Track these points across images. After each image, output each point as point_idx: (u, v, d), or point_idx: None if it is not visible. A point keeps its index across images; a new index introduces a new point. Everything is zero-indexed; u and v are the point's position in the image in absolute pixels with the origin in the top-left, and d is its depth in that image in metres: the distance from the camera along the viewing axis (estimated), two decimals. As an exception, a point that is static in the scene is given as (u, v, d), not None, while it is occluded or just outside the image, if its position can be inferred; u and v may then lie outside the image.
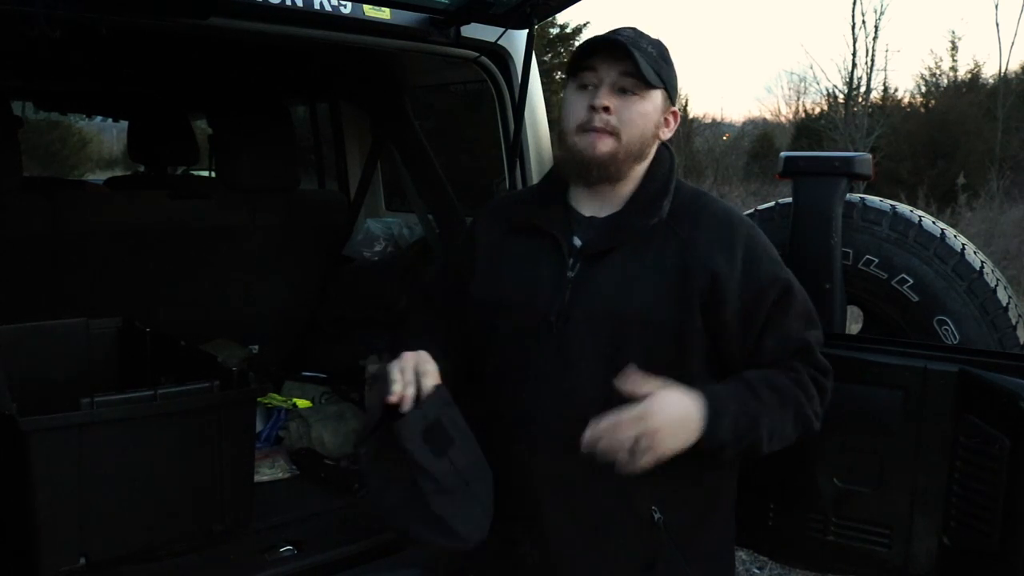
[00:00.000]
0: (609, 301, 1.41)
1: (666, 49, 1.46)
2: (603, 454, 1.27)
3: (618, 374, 1.33)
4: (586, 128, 1.40)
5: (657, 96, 1.43)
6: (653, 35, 1.48)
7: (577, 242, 1.46)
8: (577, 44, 1.56)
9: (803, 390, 1.41)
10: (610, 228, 1.46)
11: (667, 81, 1.43)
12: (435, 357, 1.44)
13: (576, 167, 1.45)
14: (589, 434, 1.27)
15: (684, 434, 1.29)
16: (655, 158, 1.50)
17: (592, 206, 1.49)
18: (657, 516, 1.42)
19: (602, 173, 1.43)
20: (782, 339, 1.43)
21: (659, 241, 1.43)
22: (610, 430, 1.26)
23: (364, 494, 1.36)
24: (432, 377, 1.39)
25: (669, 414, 1.28)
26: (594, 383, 1.40)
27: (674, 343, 1.41)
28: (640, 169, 1.48)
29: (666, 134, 1.49)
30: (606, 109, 1.39)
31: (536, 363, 1.45)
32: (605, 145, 1.40)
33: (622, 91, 1.40)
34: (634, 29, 1.45)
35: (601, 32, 1.47)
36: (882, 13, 22.10)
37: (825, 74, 39.08)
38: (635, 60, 1.36)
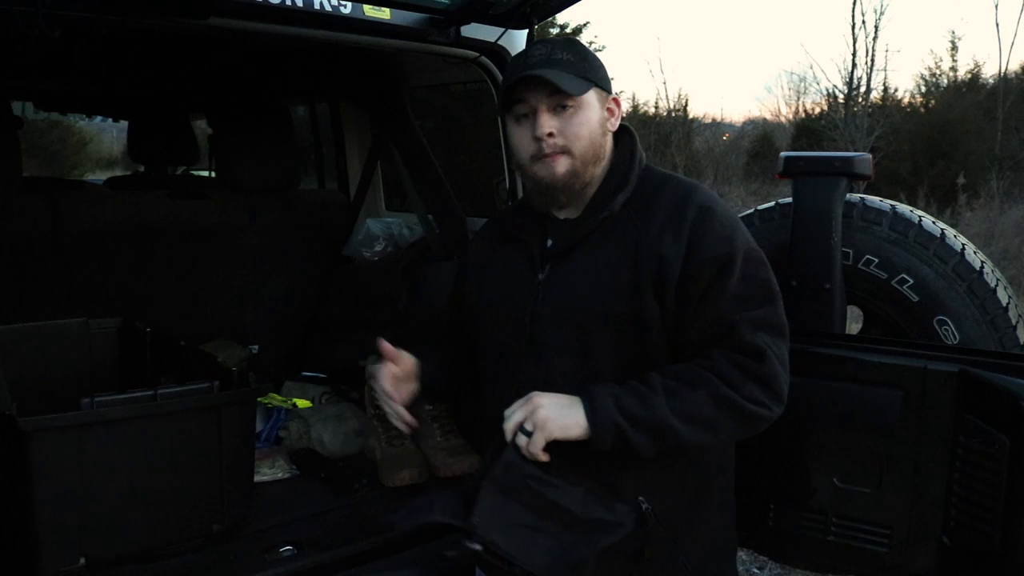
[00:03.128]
0: (572, 298, 1.45)
1: (581, 47, 1.48)
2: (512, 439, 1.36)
3: (588, 368, 1.41)
4: (538, 157, 1.44)
5: (591, 97, 1.45)
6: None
7: (550, 244, 1.51)
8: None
9: (717, 373, 1.37)
10: (572, 228, 1.49)
11: (595, 78, 1.45)
12: (425, 359, 1.58)
13: (543, 194, 1.49)
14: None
15: (569, 413, 1.35)
16: (617, 150, 1.53)
17: (566, 210, 1.53)
18: (645, 506, 1.44)
19: (568, 191, 1.47)
20: (710, 320, 1.39)
21: (618, 233, 1.45)
22: (506, 421, 1.37)
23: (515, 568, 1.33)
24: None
25: (550, 397, 1.37)
26: (567, 379, 1.43)
27: (637, 333, 1.42)
28: (602, 168, 1.50)
29: (614, 124, 1.52)
30: (550, 135, 1.42)
31: (515, 364, 1.50)
32: (562, 166, 1.44)
33: (558, 108, 1.43)
34: (543, 43, 1.47)
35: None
36: (882, 13, 22.07)
37: (825, 74, 39.05)
38: (555, 83, 1.38)
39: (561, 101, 1.42)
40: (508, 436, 1.36)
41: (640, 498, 1.44)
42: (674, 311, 1.40)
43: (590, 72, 1.45)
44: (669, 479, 1.47)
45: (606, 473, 1.43)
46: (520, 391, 1.45)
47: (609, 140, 1.51)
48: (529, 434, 1.34)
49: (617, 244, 1.44)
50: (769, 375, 1.38)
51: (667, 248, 1.39)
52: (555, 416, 1.34)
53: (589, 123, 1.44)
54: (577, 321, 1.44)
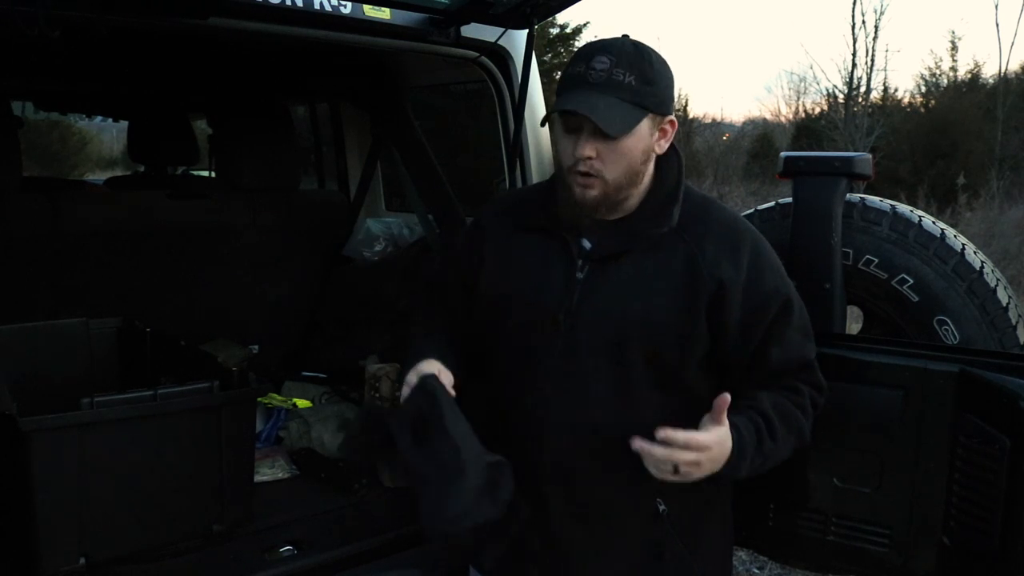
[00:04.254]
0: (617, 304, 1.44)
1: (648, 66, 1.40)
2: (648, 461, 1.32)
3: (623, 373, 1.42)
4: (574, 171, 1.42)
5: (642, 126, 1.40)
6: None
7: (586, 244, 1.48)
8: (565, 66, 1.51)
9: (806, 416, 1.48)
10: (620, 233, 1.47)
11: (652, 104, 1.40)
12: (442, 355, 1.50)
13: (572, 207, 1.47)
14: (646, 445, 1.31)
15: (714, 469, 1.36)
16: (664, 166, 1.50)
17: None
18: (662, 508, 1.46)
19: (595, 212, 1.46)
20: (786, 351, 1.47)
21: (667, 247, 1.45)
22: (668, 451, 1.30)
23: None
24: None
25: (718, 456, 1.34)
26: (599, 381, 1.44)
27: (677, 347, 1.44)
28: (642, 186, 1.48)
29: (662, 147, 1.47)
30: (588, 158, 1.40)
31: (543, 361, 1.48)
32: (592, 191, 1.42)
33: (603, 137, 1.38)
34: (610, 54, 1.38)
35: (600, 37, 1.47)
36: (882, 13, 22.13)
37: (825, 74, 39.05)
38: (600, 125, 1.35)
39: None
40: (659, 455, 1.31)
41: (657, 499, 1.46)
42: (737, 336, 1.45)
43: (648, 98, 1.39)
44: (687, 484, 1.45)
45: (627, 478, 1.42)
46: (547, 388, 1.47)
47: (651, 165, 1.48)
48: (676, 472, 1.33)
49: (668, 258, 1.45)
50: (820, 408, 1.52)
51: (727, 273, 1.43)
52: (702, 473, 1.34)
53: (630, 153, 1.41)
54: (619, 327, 1.43)
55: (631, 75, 1.37)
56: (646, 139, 1.42)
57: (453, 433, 1.38)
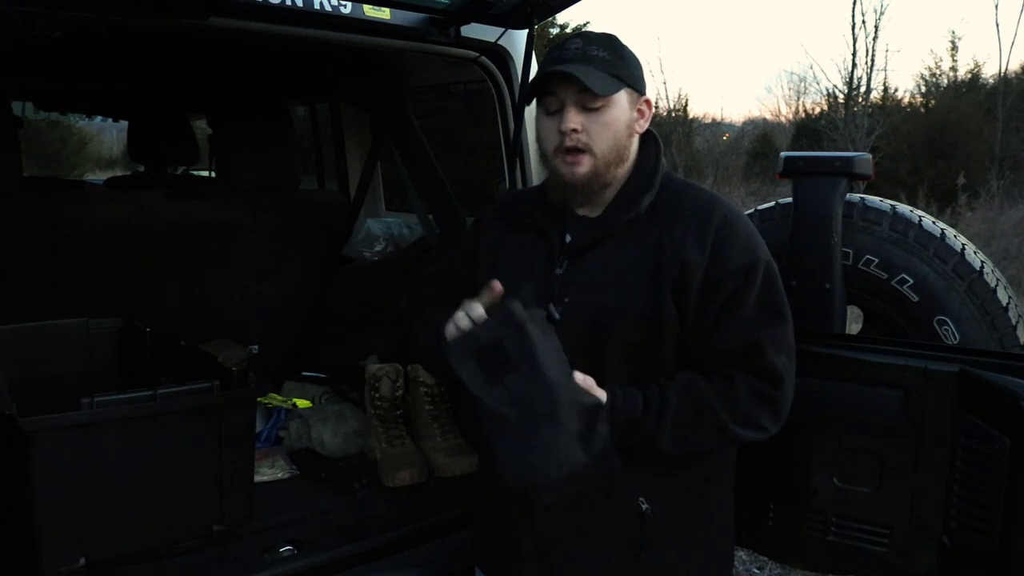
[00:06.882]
0: (589, 295, 1.45)
1: (619, 44, 1.47)
2: None
3: (599, 366, 1.39)
4: (561, 150, 1.44)
5: (622, 98, 1.45)
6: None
7: (569, 239, 1.51)
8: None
9: (731, 407, 1.39)
10: (595, 225, 1.50)
11: (628, 78, 1.45)
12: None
13: (561, 190, 1.49)
14: None
15: None
16: (642, 153, 1.53)
17: (585, 206, 1.53)
18: (645, 507, 1.45)
19: (587, 192, 1.47)
20: (734, 332, 1.41)
21: (640, 235, 1.46)
22: None
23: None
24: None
25: None
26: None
27: (650, 333, 1.43)
28: (624, 170, 1.50)
29: (642, 126, 1.51)
30: (574, 130, 1.42)
31: None
32: (583, 167, 1.44)
33: (586, 106, 1.43)
34: (582, 37, 1.47)
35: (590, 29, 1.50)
36: (882, 13, 22.03)
37: (825, 74, 39.02)
38: (584, 81, 1.38)
39: (590, 100, 1.42)
40: None
41: (640, 499, 1.45)
42: (693, 318, 1.42)
43: (623, 72, 1.44)
44: (670, 481, 1.47)
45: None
46: None
47: (635, 142, 1.51)
48: None
49: (639, 245, 1.45)
50: (782, 400, 1.42)
51: (690, 254, 1.41)
52: None
53: (615, 124, 1.44)
54: (592, 317, 1.44)
55: (603, 51, 1.44)
56: (627, 112, 1.47)
57: (546, 367, 1.23)
